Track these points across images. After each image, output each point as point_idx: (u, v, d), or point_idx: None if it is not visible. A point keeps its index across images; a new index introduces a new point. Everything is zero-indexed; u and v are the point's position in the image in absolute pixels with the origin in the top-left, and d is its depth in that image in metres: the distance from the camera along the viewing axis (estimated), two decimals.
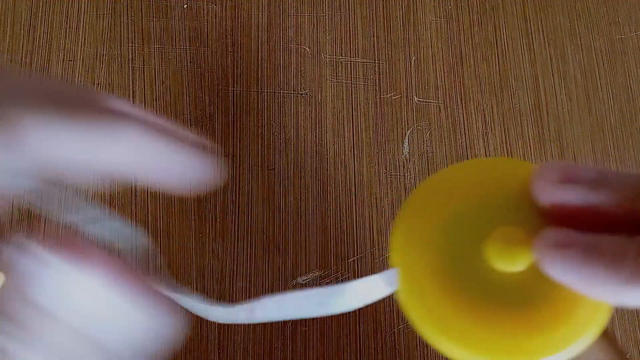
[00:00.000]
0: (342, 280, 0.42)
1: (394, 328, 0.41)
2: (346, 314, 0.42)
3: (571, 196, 0.18)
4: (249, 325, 0.41)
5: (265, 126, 0.45)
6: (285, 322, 0.41)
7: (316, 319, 0.41)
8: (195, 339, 0.41)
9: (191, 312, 0.20)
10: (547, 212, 0.18)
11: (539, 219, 0.18)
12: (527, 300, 0.18)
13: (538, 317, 0.18)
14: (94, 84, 0.45)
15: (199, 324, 0.41)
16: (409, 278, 0.18)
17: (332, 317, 0.41)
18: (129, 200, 0.43)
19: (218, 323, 0.41)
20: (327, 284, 0.42)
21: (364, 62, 0.47)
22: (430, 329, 0.18)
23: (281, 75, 0.46)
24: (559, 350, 0.17)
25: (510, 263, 0.17)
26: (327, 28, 0.48)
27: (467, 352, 0.17)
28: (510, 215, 0.19)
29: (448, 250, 0.18)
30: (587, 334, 0.18)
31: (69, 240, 0.20)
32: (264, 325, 0.41)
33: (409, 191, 0.44)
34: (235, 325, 0.41)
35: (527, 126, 0.46)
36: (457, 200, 0.19)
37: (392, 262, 0.19)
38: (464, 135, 0.46)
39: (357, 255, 0.43)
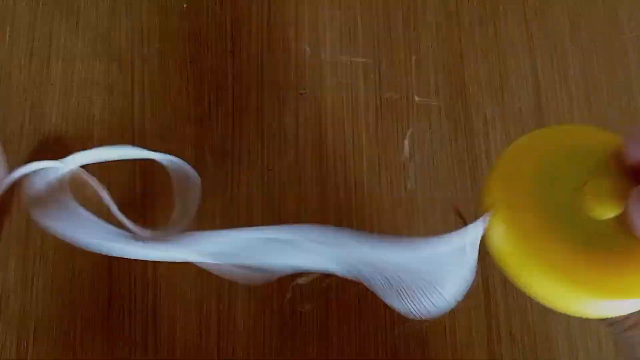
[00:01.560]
0: (343, 281, 0.42)
1: (394, 328, 0.41)
2: (346, 314, 0.41)
3: None
4: (249, 325, 0.41)
5: (265, 126, 0.45)
6: (285, 322, 0.41)
7: (316, 318, 0.41)
8: (195, 338, 0.41)
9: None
10: (633, 172, 0.19)
11: (626, 177, 0.20)
12: (618, 244, 0.19)
13: (630, 258, 0.19)
14: (94, 84, 0.45)
15: (199, 323, 0.41)
16: (508, 217, 0.19)
17: (332, 317, 0.41)
18: (130, 199, 0.43)
19: (218, 322, 0.41)
20: (328, 284, 0.42)
21: (364, 62, 0.47)
22: (529, 263, 0.18)
23: (281, 75, 0.46)
24: None
25: (604, 210, 0.19)
26: (327, 28, 0.48)
27: (566, 286, 0.18)
28: (601, 171, 0.20)
29: (544, 195, 0.19)
30: None
31: None
32: (264, 325, 0.41)
33: (409, 191, 0.44)
34: (234, 325, 0.41)
35: (528, 126, 0.46)
36: (550, 154, 0.20)
37: (487, 205, 0.20)
38: (464, 135, 0.46)
39: None
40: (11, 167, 0.43)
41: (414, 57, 0.47)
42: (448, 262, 0.20)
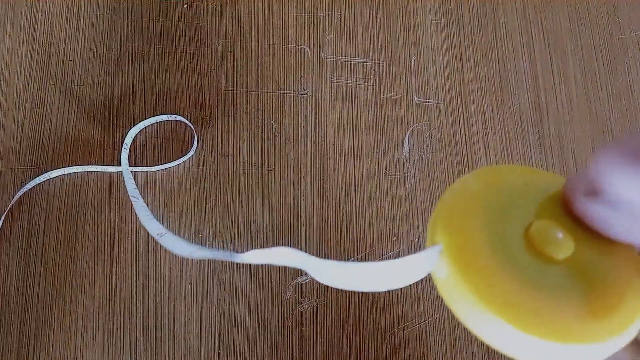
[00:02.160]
0: None
1: (394, 328, 0.41)
2: (346, 314, 0.42)
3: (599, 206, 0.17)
4: (249, 325, 0.41)
5: (265, 126, 0.45)
6: (285, 322, 0.41)
7: (316, 318, 0.41)
8: (195, 338, 0.41)
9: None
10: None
11: (572, 219, 0.19)
12: (573, 285, 0.18)
13: (586, 301, 0.18)
14: (94, 84, 0.45)
15: (199, 323, 0.41)
16: (456, 255, 0.18)
17: (332, 317, 0.41)
18: (128, 200, 0.43)
19: (218, 322, 0.41)
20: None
21: (364, 62, 0.47)
22: (479, 303, 0.17)
23: (281, 75, 0.46)
24: (612, 335, 0.17)
25: (551, 251, 0.18)
26: (327, 28, 0.48)
27: (517, 327, 0.17)
28: (547, 212, 0.19)
29: (494, 233, 0.19)
30: (637, 322, 0.18)
31: None
32: (264, 325, 0.41)
33: (409, 191, 0.44)
34: (235, 325, 0.41)
35: (527, 126, 0.46)
36: (497, 193, 0.20)
37: (434, 240, 0.19)
38: (464, 135, 0.46)
39: (357, 255, 0.43)
40: (12, 168, 0.43)
41: (413, 57, 0.47)
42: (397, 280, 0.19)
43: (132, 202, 0.39)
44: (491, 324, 0.17)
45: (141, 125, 0.44)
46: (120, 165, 0.43)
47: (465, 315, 0.18)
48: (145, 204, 0.38)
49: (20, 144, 0.44)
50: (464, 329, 0.42)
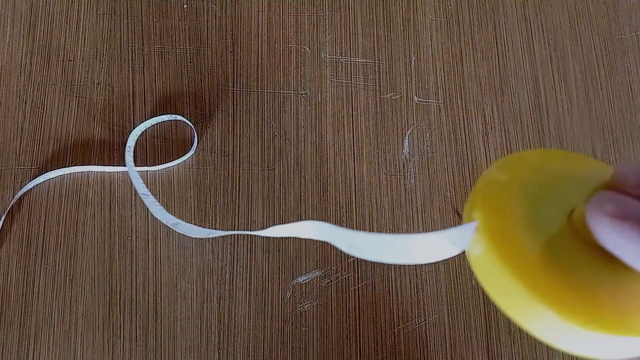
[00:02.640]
0: (343, 280, 0.42)
1: (394, 328, 0.41)
2: (346, 314, 0.42)
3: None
4: (249, 325, 0.41)
5: (265, 126, 0.45)
6: (285, 322, 0.41)
7: (316, 318, 0.41)
8: (195, 338, 0.41)
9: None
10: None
11: None
12: (611, 275, 0.18)
13: (622, 292, 0.17)
14: (94, 84, 0.45)
15: (199, 323, 0.41)
16: (493, 231, 0.18)
17: (332, 317, 0.41)
18: (129, 199, 0.43)
19: (218, 322, 0.41)
20: (328, 284, 0.42)
21: (364, 62, 0.47)
22: (515, 282, 0.17)
23: (281, 75, 0.46)
24: None
25: (591, 239, 0.17)
26: (327, 28, 0.48)
27: (553, 314, 0.16)
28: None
29: (533, 214, 0.18)
30: None
31: None
32: (264, 325, 0.41)
33: (409, 191, 0.44)
34: (235, 324, 0.41)
35: (527, 126, 0.46)
36: (542, 176, 0.19)
37: (470, 217, 0.18)
38: (464, 135, 0.46)
39: None
40: (12, 168, 0.43)
41: (413, 57, 0.47)
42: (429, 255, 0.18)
43: (143, 199, 0.40)
44: (525, 305, 0.17)
45: (142, 126, 0.44)
46: (121, 166, 0.43)
47: (498, 293, 0.17)
48: (155, 199, 0.40)
49: (20, 144, 0.44)
50: (464, 329, 0.42)
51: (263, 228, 0.43)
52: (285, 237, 0.43)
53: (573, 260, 0.17)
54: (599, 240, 0.17)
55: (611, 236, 0.17)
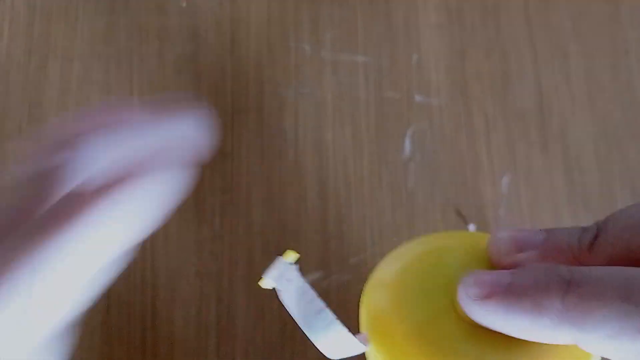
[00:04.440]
0: (343, 281, 0.42)
1: None
2: (346, 313, 0.41)
3: (522, 260, 0.19)
4: (248, 327, 0.41)
5: (265, 126, 0.45)
6: (285, 322, 0.41)
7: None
8: (194, 340, 0.40)
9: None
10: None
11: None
12: (508, 353, 0.18)
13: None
14: (93, 83, 0.45)
15: (198, 325, 0.41)
16: (380, 341, 0.19)
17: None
18: None
19: (217, 324, 0.41)
20: (328, 284, 0.42)
21: (364, 61, 0.47)
22: None
23: (281, 75, 0.46)
24: None
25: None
26: (327, 27, 0.48)
27: None
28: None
29: (417, 316, 0.19)
30: None
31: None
32: (264, 325, 0.41)
33: (410, 191, 0.44)
34: (234, 326, 0.41)
35: (530, 126, 0.46)
36: (421, 268, 0.20)
37: (363, 327, 0.20)
38: (465, 135, 0.46)
39: (357, 255, 0.43)
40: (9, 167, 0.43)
41: (414, 56, 0.47)
42: None
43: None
44: None
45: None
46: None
47: None
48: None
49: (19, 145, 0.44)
50: None
51: (263, 228, 0.43)
52: (285, 237, 0.43)
53: (468, 349, 0.18)
54: (482, 324, 0.17)
55: (486, 319, 0.17)
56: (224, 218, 0.43)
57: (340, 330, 0.18)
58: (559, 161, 0.45)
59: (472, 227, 0.43)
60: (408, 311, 0.19)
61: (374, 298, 0.19)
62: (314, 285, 0.42)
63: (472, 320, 0.18)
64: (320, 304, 0.19)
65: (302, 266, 0.42)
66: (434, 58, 0.47)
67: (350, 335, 0.18)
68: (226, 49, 0.47)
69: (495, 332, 0.17)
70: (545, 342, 0.16)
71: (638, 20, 0.49)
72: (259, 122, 0.45)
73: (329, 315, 0.19)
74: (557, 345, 0.17)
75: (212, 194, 0.43)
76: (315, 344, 0.18)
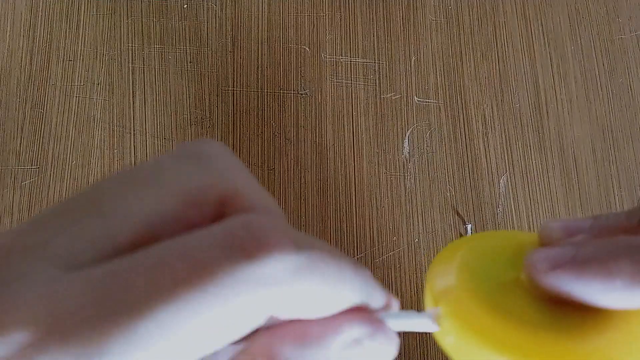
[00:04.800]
0: None
1: None
2: None
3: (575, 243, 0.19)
4: None
5: (265, 126, 0.45)
6: None
7: None
8: None
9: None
10: None
11: None
12: (571, 316, 0.18)
13: (587, 329, 0.18)
14: (94, 84, 0.45)
15: None
16: (458, 312, 0.19)
17: None
18: None
19: None
20: None
21: (364, 62, 0.47)
22: (494, 350, 0.18)
23: (281, 75, 0.46)
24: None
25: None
26: (327, 28, 0.48)
27: None
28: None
29: (487, 290, 0.19)
30: None
31: None
32: None
33: (409, 191, 0.44)
34: None
35: (527, 126, 0.46)
36: (481, 255, 0.21)
37: (432, 303, 0.20)
38: (464, 135, 0.46)
39: (357, 255, 0.43)
40: (12, 168, 0.43)
41: (413, 57, 0.47)
42: None
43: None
44: None
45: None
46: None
47: None
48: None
49: (20, 144, 0.44)
50: None
51: None
52: None
53: (541, 318, 0.18)
54: (560, 293, 0.18)
55: (558, 286, 0.18)
56: None
57: (408, 314, 0.19)
58: (556, 161, 0.46)
59: (470, 227, 0.44)
60: (478, 285, 0.19)
61: (441, 279, 0.20)
62: None
63: (539, 293, 0.19)
64: None
65: None
66: (433, 59, 0.48)
67: (418, 313, 0.19)
68: (227, 50, 0.47)
69: (562, 302, 0.18)
70: (617, 306, 0.17)
71: (635, 21, 0.50)
72: (259, 122, 0.45)
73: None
74: (622, 311, 0.18)
75: None
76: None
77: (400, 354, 0.41)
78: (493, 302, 0.19)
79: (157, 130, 0.44)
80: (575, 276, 0.18)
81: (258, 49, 0.47)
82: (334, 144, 0.45)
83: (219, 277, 0.13)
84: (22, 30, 0.46)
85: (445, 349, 0.19)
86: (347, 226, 0.43)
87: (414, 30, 0.48)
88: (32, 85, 0.45)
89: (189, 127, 0.45)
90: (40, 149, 0.44)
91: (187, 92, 0.45)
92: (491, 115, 0.46)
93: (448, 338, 0.19)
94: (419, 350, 0.41)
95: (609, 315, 0.18)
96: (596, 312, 0.18)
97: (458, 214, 0.44)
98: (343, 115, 0.46)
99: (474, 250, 0.21)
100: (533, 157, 0.46)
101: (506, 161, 0.45)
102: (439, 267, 0.21)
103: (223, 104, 0.45)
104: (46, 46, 0.46)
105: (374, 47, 0.48)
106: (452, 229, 0.44)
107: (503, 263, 0.20)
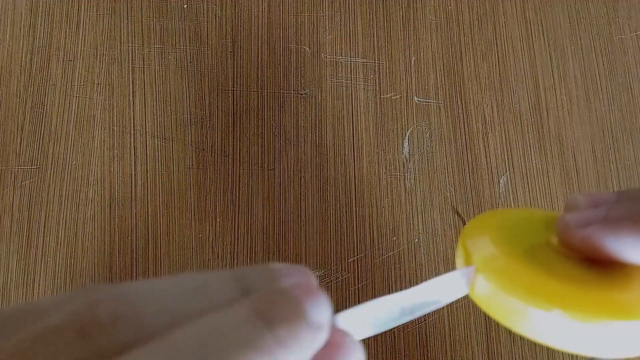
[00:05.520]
0: (343, 280, 0.42)
1: (394, 328, 0.41)
2: None
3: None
4: None
5: (265, 126, 0.45)
6: None
7: None
8: None
9: None
10: None
11: None
12: (604, 273, 0.19)
13: (617, 280, 0.19)
14: (94, 84, 0.45)
15: None
16: (493, 265, 0.20)
17: None
18: (129, 199, 0.43)
19: None
20: (328, 284, 0.42)
21: (364, 62, 0.47)
22: (531, 296, 0.18)
23: (281, 75, 0.46)
24: None
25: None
26: (327, 28, 0.48)
27: (568, 311, 0.18)
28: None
29: (521, 248, 0.20)
30: None
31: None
32: None
33: (409, 191, 0.44)
34: None
35: (527, 126, 0.46)
36: (514, 219, 0.22)
37: (466, 262, 0.21)
38: (464, 135, 0.46)
39: (357, 255, 0.43)
40: (12, 168, 0.43)
41: (413, 58, 0.47)
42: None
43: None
44: (547, 320, 0.18)
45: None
46: None
47: (516, 321, 0.18)
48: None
49: (20, 144, 0.44)
50: (464, 329, 0.42)
51: (263, 228, 0.43)
52: (285, 236, 0.43)
53: (568, 271, 0.19)
54: (591, 250, 0.19)
55: (588, 242, 0.19)
56: (225, 217, 0.43)
57: (437, 279, 0.20)
58: (556, 161, 0.46)
59: None
60: (510, 244, 0.20)
61: (475, 242, 0.21)
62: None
63: (571, 254, 0.20)
64: (384, 301, 0.20)
65: (303, 265, 0.43)
66: (433, 59, 0.48)
67: (448, 274, 0.20)
68: (227, 50, 0.47)
69: (591, 261, 0.19)
70: None
71: (635, 21, 0.50)
72: (259, 122, 0.45)
73: (410, 293, 0.20)
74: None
75: (213, 194, 0.43)
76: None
77: (400, 354, 0.41)
78: (526, 257, 0.20)
79: (157, 130, 0.44)
80: (609, 232, 0.19)
81: (258, 49, 0.47)
82: (334, 144, 0.45)
83: None
84: (22, 30, 0.46)
85: (480, 303, 0.20)
86: (347, 226, 0.43)
87: (414, 30, 0.48)
88: (32, 85, 0.45)
89: (189, 127, 0.45)
90: (40, 149, 0.44)
91: (187, 92, 0.46)
92: (491, 115, 0.46)
93: (482, 290, 0.19)
94: (419, 350, 0.41)
95: (634, 271, 0.19)
96: (623, 269, 0.19)
97: (458, 214, 0.44)
98: (343, 115, 0.46)
99: (505, 217, 0.22)
100: (533, 157, 0.46)
101: (506, 161, 0.45)
102: (472, 232, 0.22)
103: (223, 104, 0.45)
104: (46, 46, 0.46)
105: (374, 47, 0.48)
106: (452, 229, 0.44)
107: (534, 229, 0.21)
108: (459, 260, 0.21)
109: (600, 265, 0.19)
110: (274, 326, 0.14)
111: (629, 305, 0.18)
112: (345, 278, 0.42)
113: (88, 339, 0.13)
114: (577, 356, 0.42)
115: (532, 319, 0.18)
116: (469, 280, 0.20)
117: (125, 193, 0.43)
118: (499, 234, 0.21)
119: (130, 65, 0.46)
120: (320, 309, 0.15)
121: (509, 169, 0.45)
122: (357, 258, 0.43)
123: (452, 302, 0.42)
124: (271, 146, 0.45)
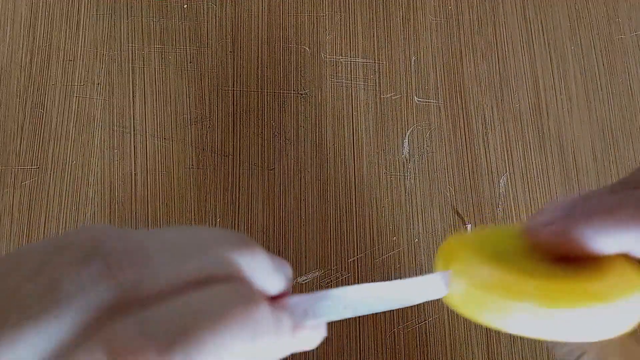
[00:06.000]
0: (343, 280, 0.42)
1: (394, 328, 0.42)
2: None
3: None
4: None
5: (265, 126, 0.45)
6: None
7: None
8: None
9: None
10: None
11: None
12: (572, 265, 0.21)
13: (587, 271, 0.20)
14: (94, 84, 0.45)
15: None
16: (469, 268, 0.21)
17: None
18: (129, 199, 0.43)
19: None
20: (328, 284, 0.42)
21: (364, 62, 0.47)
22: (506, 295, 0.20)
23: (281, 75, 0.46)
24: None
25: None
26: (327, 28, 0.48)
27: (546, 302, 0.19)
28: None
29: (494, 248, 0.22)
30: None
31: None
32: None
33: (409, 191, 0.44)
34: None
35: (527, 126, 0.46)
36: (490, 234, 0.24)
37: (447, 266, 0.22)
38: (464, 135, 0.46)
39: (357, 255, 0.43)
40: (12, 168, 0.43)
41: (413, 58, 0.48)
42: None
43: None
44: (530, 312, 0.19)
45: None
46: None
47: (498, 318, 0.20)
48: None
49: (20, 144, 0.44)
50: (464, 329, 0.42)
51: (263, 227, 0.43)
52: (285, 236, 0.43)
53: (540, 268, 0.21)
54: (557, 245, 0.21)
55: (561, 237, 0.20)
56: (225, 217, 0.43)
57: (417, 278, 0.22)
58: (556, 161, 0.46)
59: (470, 227, 0.44)
60: (484, 249, 0.22)
61: (451, 250, 0.23)
62: (314, 283, 0.42)
63: (540, 254, 0.21)
64: (368, 286, 0.23)
65: (303, 265, 0.43)
66: (433, 60, 0.48)
67: (427, 275, 0.22)
68: (227, 50, 0.47)
69: (559, 260, 0.21)
70: (612, 250, 0.19)
71: (635, 21, 0.50)
72: (259, 122, 0.45)
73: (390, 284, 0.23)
74: (607, 260, 0.21)
75: (213, 194, 0.43)
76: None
77: (400, 354, 0.41)
78: (499, 259, 0.21)
79: (157, 130, 0.44)
80: (571, 226, 0.20)
81: (258, 49, 0.47)
82: (334, 144, 0.45)
83: None
84: (22, 30, 0.46)
85: (456, 305, 0.21)
86: (347, 226, 0.43)
87: (414, 30, 0.48)
88: (32, 85, 0.45)
89: (189, 127, 0.45)
90: (40, 149, 0.44)
91: (187, 92, 0.46)
92: (491, 115, 0.47)
93: (458, 291, 0.21)
94: (419, 350, 0.41)
95: (603, 262, 0.21)
96: (593, 262, 0.20)
97: (458, 214, 0.44)
98: (343, 115, 0.46)
99: (482, 232, 0.24)
100: (533, 157, 0.46)
101: (506, 161, 0.45)
102: (448, 244, 0.23)
103: (223, 104, 0.45)
104: (46, 46, 0.46)
105: (374, 47, 0.48)
106: (452, 229, 0.44)
107: (509, 237, 0.23)
108: (438, 268, 0.23)
109: (571, 262, 0.21)
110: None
111: (598, 292, 0.19)
112: (345, 278, 0.42)
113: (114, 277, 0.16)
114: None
115: (507, 312, 0.20)
116: (447, 282, 0.21)
117: (125, 193, 0.43)
118: (474, 241, 0.23)
119: (130, 65, 0.46)
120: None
121: (509, 169, 0.45)
122: (357, 258, 0.43)
123: None
124: (271, 146, 0.45)
